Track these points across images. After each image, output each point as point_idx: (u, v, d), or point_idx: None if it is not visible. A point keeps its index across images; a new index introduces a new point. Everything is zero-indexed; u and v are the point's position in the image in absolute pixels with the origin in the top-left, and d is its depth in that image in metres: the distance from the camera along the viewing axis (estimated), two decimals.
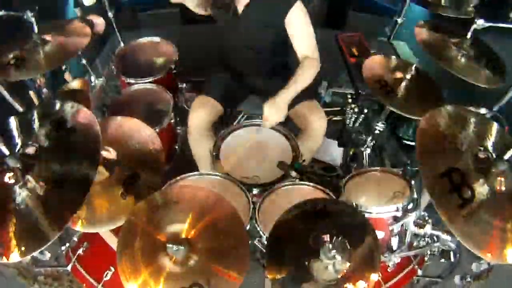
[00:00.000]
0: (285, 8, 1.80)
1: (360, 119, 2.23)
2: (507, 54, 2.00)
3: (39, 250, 1.09)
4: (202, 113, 1.97)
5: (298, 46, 1.90)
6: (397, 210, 1.46)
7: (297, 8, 1.81)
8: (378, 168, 1.68)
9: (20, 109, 1.98)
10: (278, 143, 1.83)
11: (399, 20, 2.77)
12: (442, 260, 1.53)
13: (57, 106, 1.37)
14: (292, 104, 2.02)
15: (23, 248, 1.07)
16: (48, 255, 1.43)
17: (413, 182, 1.54)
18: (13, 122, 1.35)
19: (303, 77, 1.85)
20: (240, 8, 1.88)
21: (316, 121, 1.96)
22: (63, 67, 2.16)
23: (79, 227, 1.29)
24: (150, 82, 2.17)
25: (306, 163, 1.87)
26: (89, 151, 1.22)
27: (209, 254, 1.16)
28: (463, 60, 1.91)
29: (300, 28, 1.86)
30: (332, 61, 3.03)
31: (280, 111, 1.79)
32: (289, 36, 1.89)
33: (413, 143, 2.47)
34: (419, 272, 1.63)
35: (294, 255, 1.20)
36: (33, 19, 1.87)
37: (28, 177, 1.16)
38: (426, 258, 1.67)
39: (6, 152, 1.14)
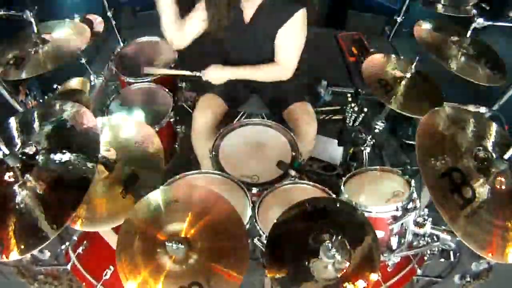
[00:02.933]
0: (285, 17, 1.78)
1: (360, 118, 2.23)
2: (507, 53, 2.00)
3: (38, 249, 1.09)
4: (208, 112, 1.96)
5: (277, 53, 1.90)
6: (397, 209, 1.46)
7: (296, 19, 1.78)
8: (378, 167, 1.68)
9: (20, 109, 1.98)
10: (278, 143, 1.83)
11: (399, 19, 2.78)
12: (442, 259, 1.53)
13: (57, 106, 1.38)
14: (286, 105, 2.02)
15: (22, 247, 1.07)
16: (47, 254, 1.43)
17: (413, 181, 1.54)
18: (13, 122, 1.35)
19: (262, 73, 1.92)
20: (247, 15, 1.86)
21: (305, 125, 1.94)
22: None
23: (79, 226, 1.29)
24: (149, 81, 2.17)
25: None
26: (89, 150, 1.22)
27: (209, 253, 1.16)
28: (462, 58, 1.91)
29: (287, 40, 1.84)
30: (332, 60, 3.04)
31: (220, 75, 1.92)
32: (275, 41, 1.86)
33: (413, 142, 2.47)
34: (419, 271, 1.63)
35: (294, 255, 1.20)
36: (32, 19, 1.87)
37: (28, 176, 1.16)
38: (425, 258, 1.66)
39: (6, 151, 1.14)
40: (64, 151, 1.21)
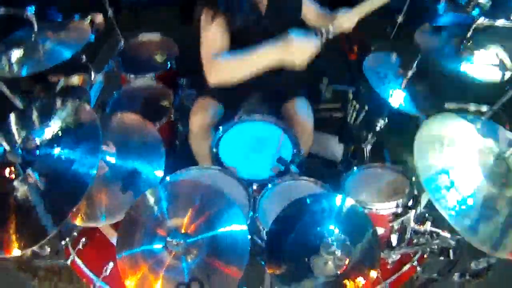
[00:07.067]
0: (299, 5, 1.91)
1: (361, 116, 2.22)
2: (508, 52, 1.99)
3: (37, 245, 1.09)
4: (203, 116, 1.95)
5: (316, 10, 2.01)
6: (397, 206, 1.46)
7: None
8: (379, 164, 1.68)
9: (20, 106, 1.98)
10: (278, 138, 1.83)
11: (400, 19, 2.77)
12: (442, 257, 1.53)
13: (58, 103, 1.38)
14: (284, 100, 2.01)
15: (22, 243, 1.07)
16: (48, 249, 1.44)
17: (413, 178, 1.54)
18: (12, 118, 1.35)
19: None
20: (263, 5, 1.82)
21: (301, 121, 1.94)
22: None
23: (79, 222, 1.29)
24: (150, 78, 2.17)
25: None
26: (90, 146, 1.22)
27: (209, 249, 1.16)
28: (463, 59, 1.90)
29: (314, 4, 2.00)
30: (333, 58, 3.04)
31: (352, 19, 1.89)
32: (306, 16, 1.98)
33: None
34: (419, 269, 1.63)
35: (294, 251, 1.20)
36: (33, 17, 1.86)
37: (29, 172, 1.16)
38: (425, 256, 1.66)
39: (7, 147, 1.14)
40: (64, 147, 1.22)
